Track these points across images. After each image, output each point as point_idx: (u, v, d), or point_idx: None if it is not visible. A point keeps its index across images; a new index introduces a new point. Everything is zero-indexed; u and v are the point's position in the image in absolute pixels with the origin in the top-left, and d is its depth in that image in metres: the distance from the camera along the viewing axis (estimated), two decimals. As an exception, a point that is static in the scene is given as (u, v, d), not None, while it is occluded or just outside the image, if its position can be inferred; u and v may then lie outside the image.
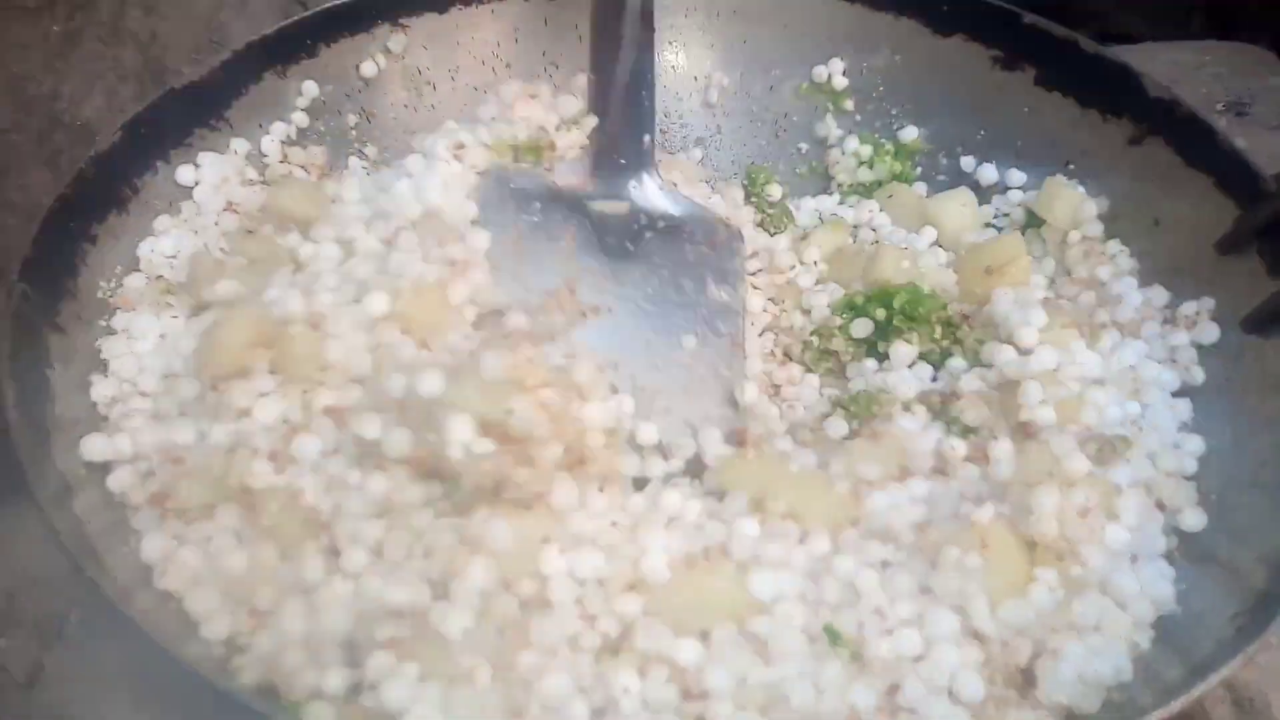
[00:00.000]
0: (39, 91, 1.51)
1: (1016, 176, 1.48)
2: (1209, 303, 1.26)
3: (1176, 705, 0.86)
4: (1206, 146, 1.31)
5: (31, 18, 1.52)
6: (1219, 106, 1.77)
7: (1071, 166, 1.46)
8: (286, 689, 0.93)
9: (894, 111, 1.58)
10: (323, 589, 0.98)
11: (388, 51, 1.51)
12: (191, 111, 1.36)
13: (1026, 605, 1.00)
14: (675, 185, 1.39)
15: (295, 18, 1.45)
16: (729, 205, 1.47)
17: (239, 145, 1.41)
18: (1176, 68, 1.83)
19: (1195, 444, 1.17)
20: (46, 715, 1.08)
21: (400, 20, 1.52)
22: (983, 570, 1.00)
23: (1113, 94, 1.41)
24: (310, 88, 1.47)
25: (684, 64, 1.62)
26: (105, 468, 1.10)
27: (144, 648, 0.89)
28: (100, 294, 1.23)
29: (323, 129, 1.49)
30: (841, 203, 1.55)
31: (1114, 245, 1.36)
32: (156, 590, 1.01)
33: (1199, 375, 1.22)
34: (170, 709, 1.05)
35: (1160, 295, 1.30)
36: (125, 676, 1.09)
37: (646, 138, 1.35)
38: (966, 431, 1.17)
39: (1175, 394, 1.22)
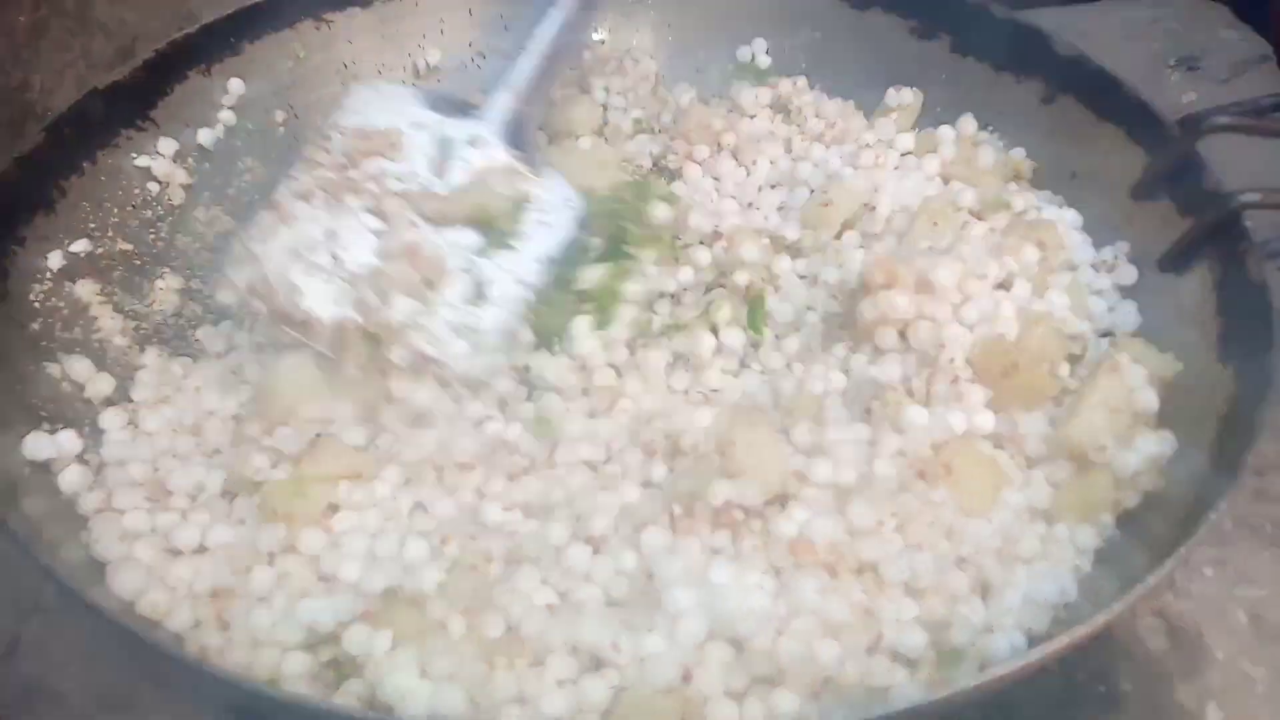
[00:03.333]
0: (8, 83, 1.49)
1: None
2: (1124, 246, 1.31)
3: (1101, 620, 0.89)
4: (1115, 99, 1.36)
5: (-3, 9, 1.49)
6: (1171, 62, 1.80)
7: (990, 128, 1.51)
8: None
9: (818, 87, 1.61)
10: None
11: (312, 47, 1.51)
12: (117, 111, 1.34)
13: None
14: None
15: (218, 15, 1.44)
16: None
17: (166, 146, 1.39)
18: (1129, 24, 1.87)
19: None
20: (23, 686, 1.09)
21: (324, 16, 1.53)
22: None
23: (1024, 56, 1.47)
24: (237, 85, 1.46)
25: (610, 49, 1.64)
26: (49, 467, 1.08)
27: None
28: (33, 297, 1.21)
29: (251, 127, 1.48)
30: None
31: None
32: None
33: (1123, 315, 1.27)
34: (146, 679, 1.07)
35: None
36: (100, 648, 1.11)
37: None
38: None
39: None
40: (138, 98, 1.37)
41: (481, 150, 1.29)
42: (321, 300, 1.14)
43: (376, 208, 1.20)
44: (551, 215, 1.30)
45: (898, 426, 1.10)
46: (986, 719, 1.07)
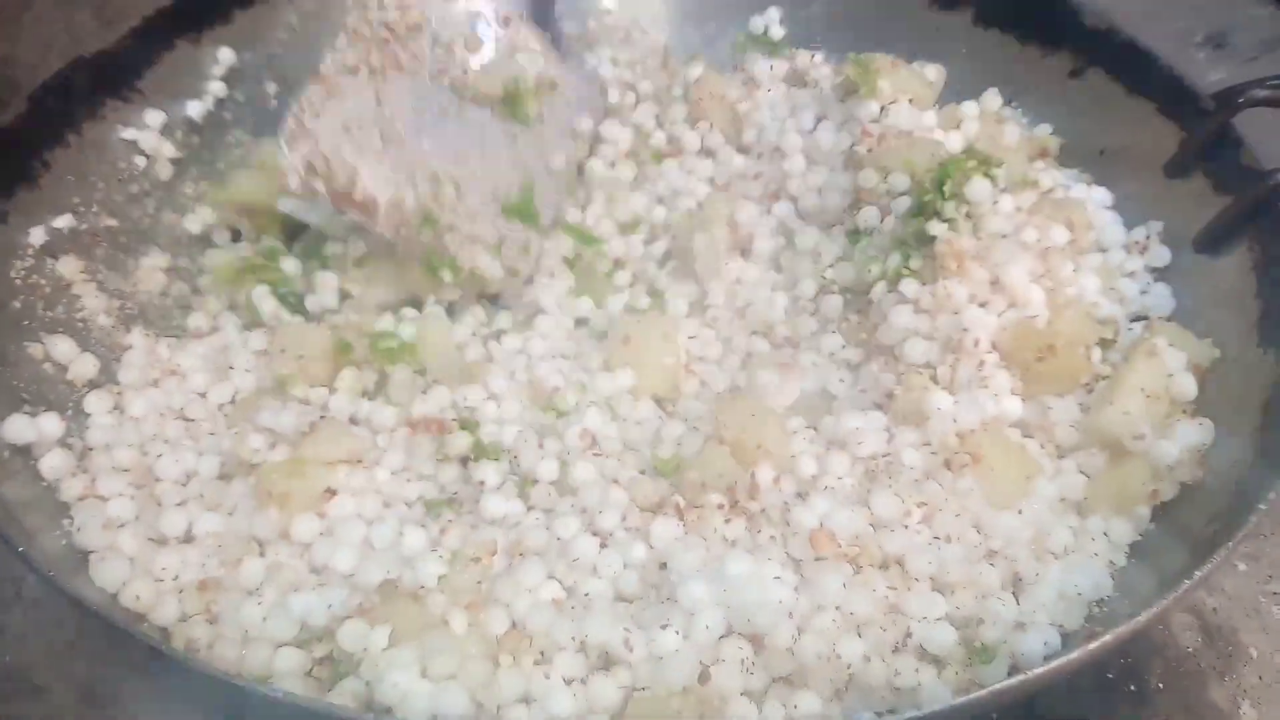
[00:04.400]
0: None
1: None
2: (1157, 226, 1.25)
3: (1142, 619, 0.84)
4: (1146, 73, 1.30)
5: (-23, -15, 1.44)
6: (1198, 39, 1.75)
7: (1015, 103, 1.45)
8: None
9: (833, 61, 1.54)
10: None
11: (307, 15, 1.45)
12: (102, 82, 1.28)
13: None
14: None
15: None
16: None
17: (153, 118, 1.33)
18: (1155, 1, 1.78)
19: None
20: (4, 678, 1.05)
21: (316, -21, 1.46)
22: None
23: (1050, 27, 1.40)
24: (227, 55, 1.40)
25: (617, 19, 1.58)
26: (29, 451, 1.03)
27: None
28: (14, 275, 1.16)
29: (241, 99, 1.42)
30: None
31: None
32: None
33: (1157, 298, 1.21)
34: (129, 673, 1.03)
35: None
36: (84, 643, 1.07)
37: None
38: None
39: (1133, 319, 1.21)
40: (124, 67, 1.31)
41: (512, 28, 1.30)
42: (378, 180, 1.15)
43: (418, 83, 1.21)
44: (575, 100, 1.33)
45: (922, 414, 1.04)
46: (1012, 716, 1.03)
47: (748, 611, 0.87)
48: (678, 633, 0.87)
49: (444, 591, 0.88)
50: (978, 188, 1.11)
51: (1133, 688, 1.09)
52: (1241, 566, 1.20)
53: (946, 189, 1.11)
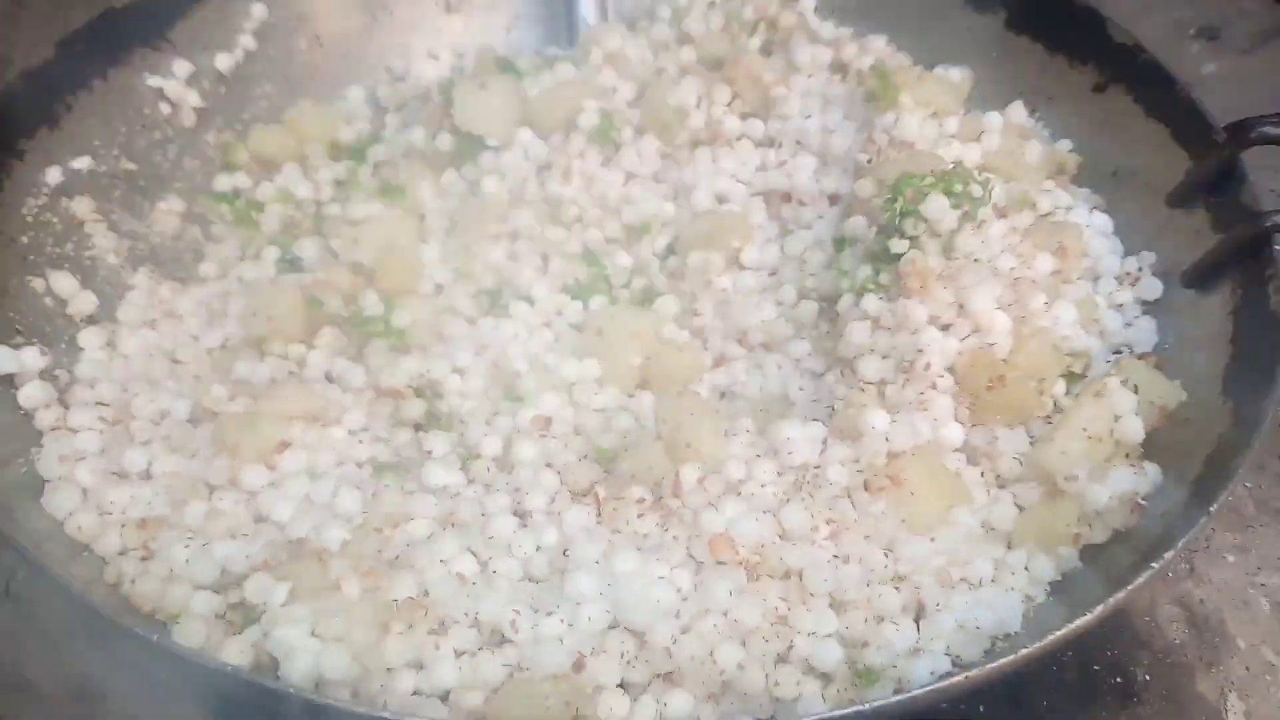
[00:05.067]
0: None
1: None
2: (1149, 257, 1.21)
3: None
4: (1165, 96, 1.25)
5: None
6: (1191, 31, 1.71)
7: (1038, 113, 1.41)
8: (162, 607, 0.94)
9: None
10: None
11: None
12: (131, 30, 1.34)
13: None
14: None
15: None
16: None
17: (181, 68, 1.39)
18: None
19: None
20: None
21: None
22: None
23: (1080, 38, 1.36)
24: (260, 10, 1.45)
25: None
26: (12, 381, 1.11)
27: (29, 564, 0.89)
28: (25, 211, 1.23)
29: (271, 54, 1.47)
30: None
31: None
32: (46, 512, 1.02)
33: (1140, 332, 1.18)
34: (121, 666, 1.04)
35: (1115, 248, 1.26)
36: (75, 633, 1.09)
37: None
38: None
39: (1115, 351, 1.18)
40: (156, 16, 1.37)
41: None
42: None
43: None
44: None
45: (858, 430, 1.04)
46: (997, 711, 1.05)
47: (628, 607, 0.89)
48: (563, 620, 0.90)
49: (345, 556, 0.93)
50: (934, 205, 1.09)
51: (1119, 680, 1.09)
52: (1230, 558, 1.19)
53: (899, 205, 1.09)
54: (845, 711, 0.79)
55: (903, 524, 0.98)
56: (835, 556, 0.95)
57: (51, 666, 1.07)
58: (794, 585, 0.95)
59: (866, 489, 0.99)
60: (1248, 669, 1.09)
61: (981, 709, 1.05)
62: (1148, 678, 1.08)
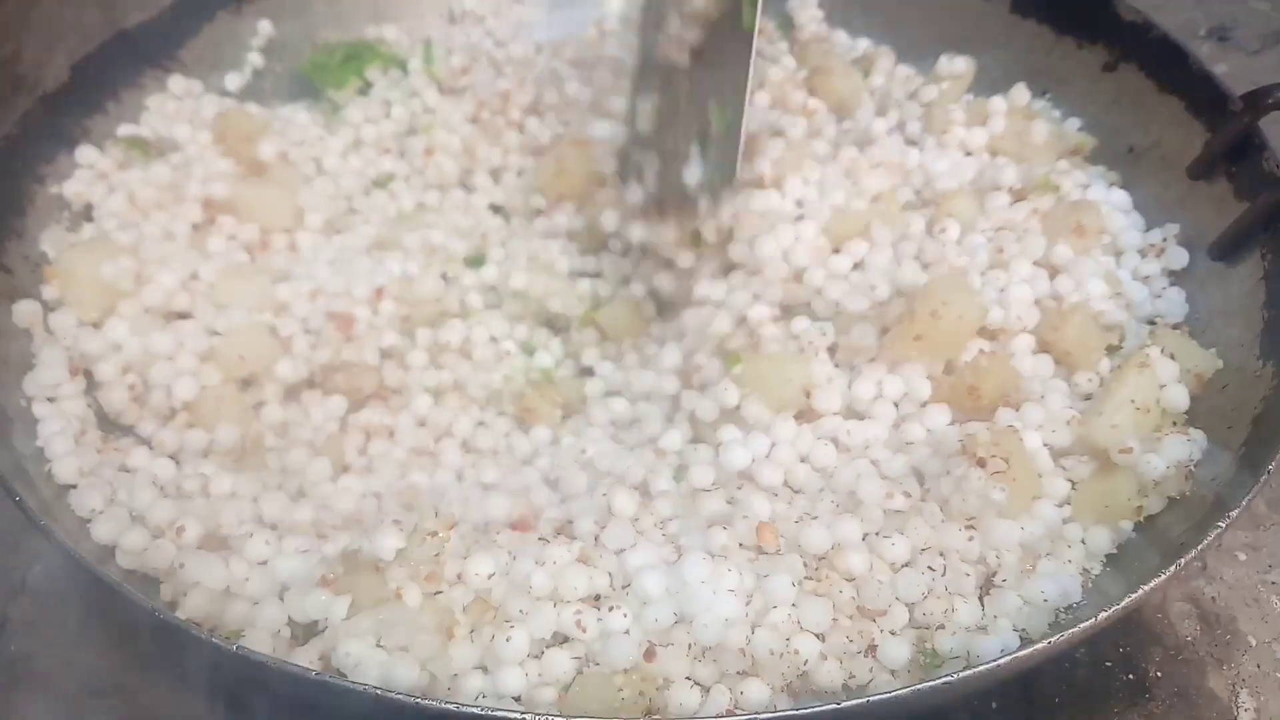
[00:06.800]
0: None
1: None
2: (1174, 229, 1.22)
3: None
4: (1178, 69, 1.26)
5: (-15, -17, 1.49)
6: (1201, 32, 1.74)
7: (1048, 95, 1.42)
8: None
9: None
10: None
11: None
12: (142, 52, 1.34)
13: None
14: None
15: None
16: None
17: (193, 86, 1.39)
18: None
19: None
20: (9, 667, 1.07)
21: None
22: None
23: (1088, 19, 1.37)
24: (266, 27, 1.45)
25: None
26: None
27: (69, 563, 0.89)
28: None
29: (279, 70, 1.47)
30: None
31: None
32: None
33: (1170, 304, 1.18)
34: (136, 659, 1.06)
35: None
36: (83, 621, 1.10)
37: None
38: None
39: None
40: (165, 38, 1.37)
41: None
42: None
43: None
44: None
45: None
46: (1011, 706, 1.05)
47: (696, 619, 0.88)
48: (626, 614, 0.89)
49: (402, 564, 0.92)
50: None
51: (1131, 676, 1.09)
52: (1241, 556, 1.19)
53: None
54: (934, 682, 0.79)
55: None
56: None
57: (68, 661, 1.06)
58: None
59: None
60: (1258, 667, 1.10)
61: (994, 705, 1.05)
62: (1159, 674, 1.09)
